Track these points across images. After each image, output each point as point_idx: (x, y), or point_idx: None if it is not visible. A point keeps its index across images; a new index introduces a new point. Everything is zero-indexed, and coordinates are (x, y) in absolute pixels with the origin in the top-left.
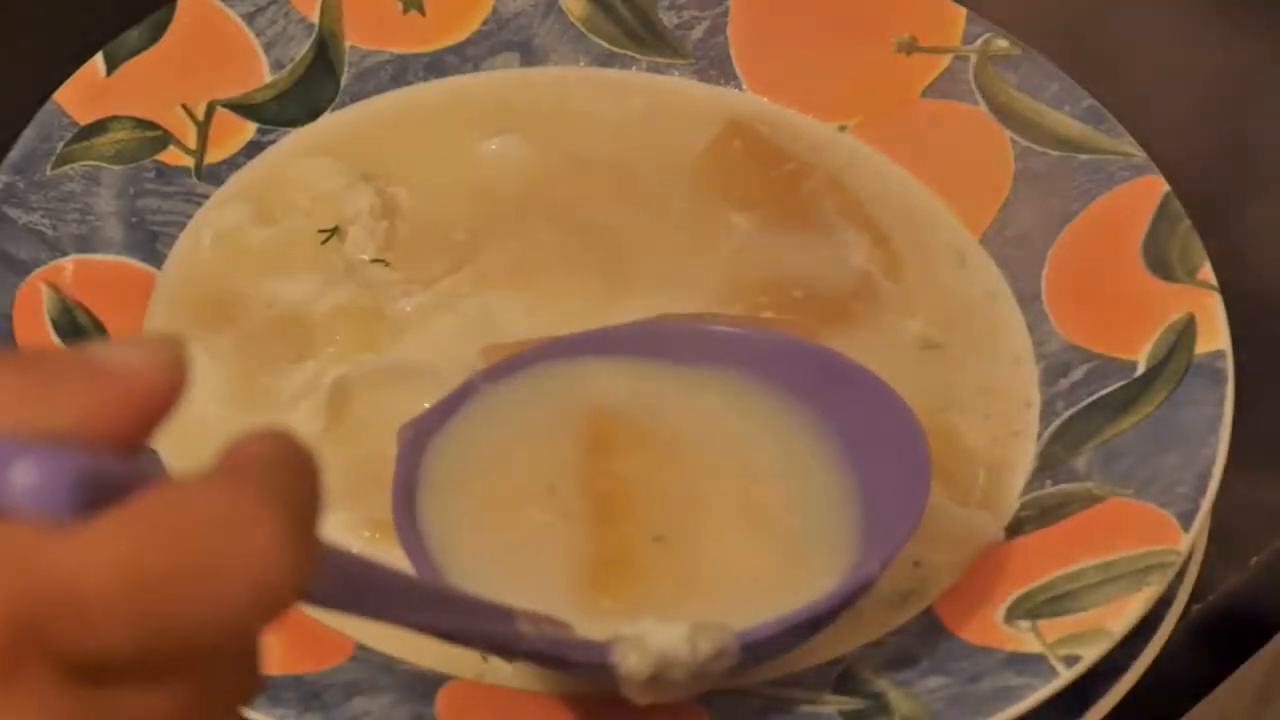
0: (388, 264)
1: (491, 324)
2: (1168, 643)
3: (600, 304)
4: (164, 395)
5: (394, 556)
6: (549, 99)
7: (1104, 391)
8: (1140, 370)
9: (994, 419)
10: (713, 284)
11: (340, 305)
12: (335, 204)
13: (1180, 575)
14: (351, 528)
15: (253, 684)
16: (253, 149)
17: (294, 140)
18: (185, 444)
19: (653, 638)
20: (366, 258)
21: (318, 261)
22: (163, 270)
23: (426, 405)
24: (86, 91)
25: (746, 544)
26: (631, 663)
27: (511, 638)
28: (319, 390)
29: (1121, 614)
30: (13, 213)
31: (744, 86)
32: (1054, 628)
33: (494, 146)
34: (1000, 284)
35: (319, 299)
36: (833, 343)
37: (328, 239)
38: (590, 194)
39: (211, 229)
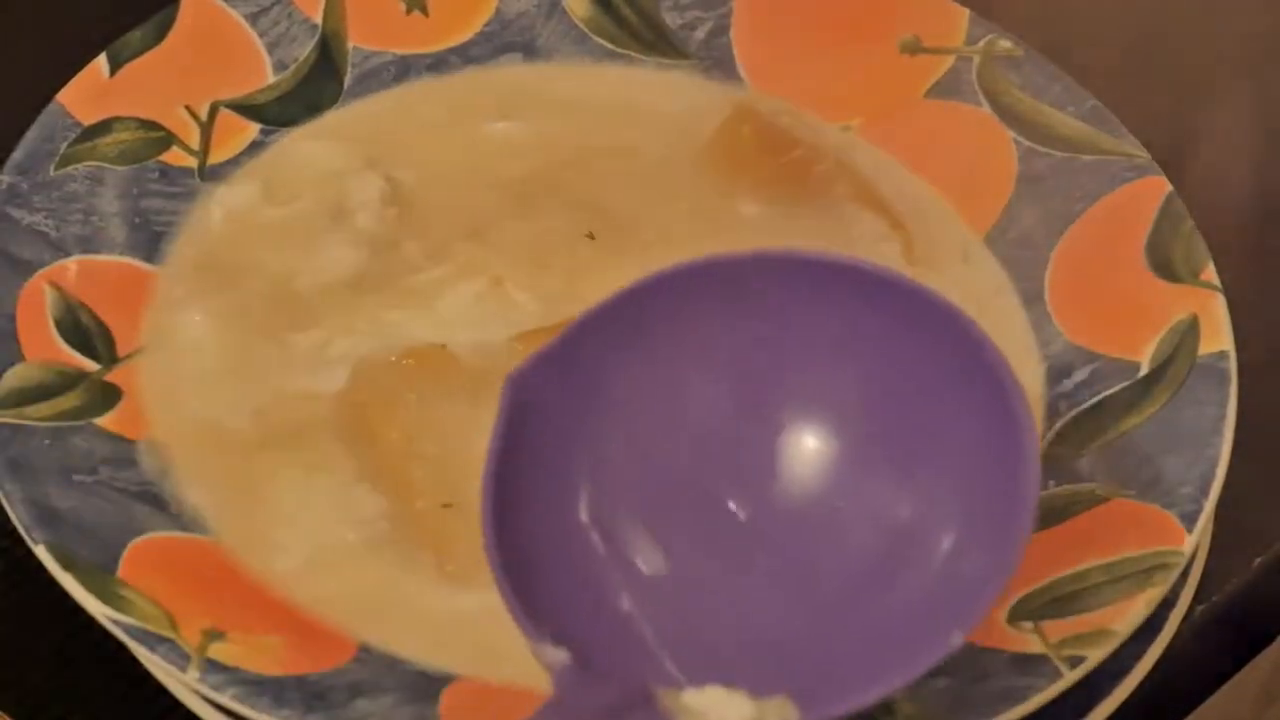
0: (398, 243)
1: (503, 301)
2: (1171, 644)
3: (614, 281)
4: None
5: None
6: (554, 88)
7: (1107, 392)
8: (1144, 371)
9: None
10: None
11: (347, 278)
12: (343, 191)
13: (1184, 576)
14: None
15: None
16: (256, 149)
17: (298, 131)
18: (180, 425)
19: (715, 713)
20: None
21: (328, 239)
22: (171, 250)
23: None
24: (90, 92)
25: None
26: None
27: None
28: (325, 359)
29: (1125, 615)
30: (16, 213)
31: (748, 87)
32: (1058, 629)
33: (500, 128)
34: (1005, 284)
35: (325, 271)
36: None
37: (336, 224)
38: (598, 178)
39: (222, 206)
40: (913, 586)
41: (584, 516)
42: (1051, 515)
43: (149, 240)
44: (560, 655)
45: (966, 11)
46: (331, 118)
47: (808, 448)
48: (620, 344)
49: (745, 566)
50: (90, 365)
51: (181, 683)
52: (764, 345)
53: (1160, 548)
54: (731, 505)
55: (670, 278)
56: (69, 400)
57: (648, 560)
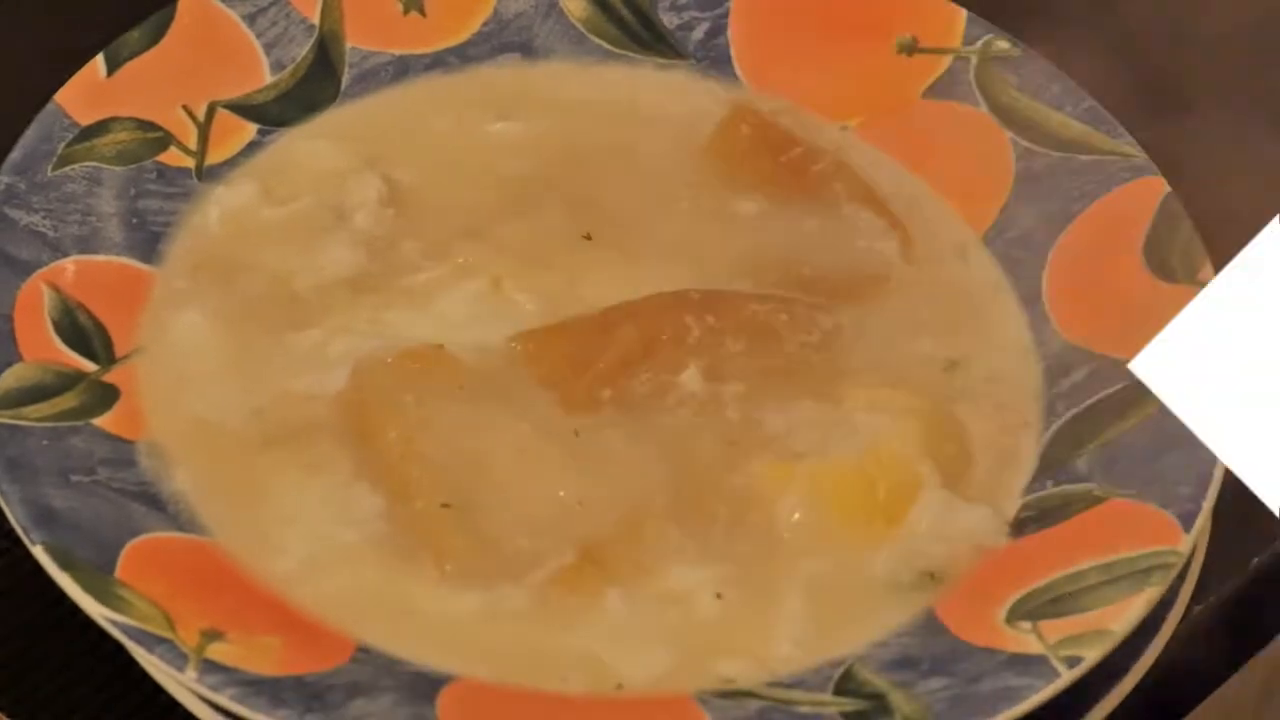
0: (397, 244)
1: (501, 301)
2: (1169, 644)
3: (613, 281)
4: None
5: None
6: (552, 88)
7: (1105, 392)
8: None
9: (1006, 409)
10: (723, 262)
11: (345, 278)
12: (341, 191)
13: (1181, 576)
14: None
15: None
16: (254, 149)
17: (296, 131)
18: (178, 426)
19: None
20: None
21: (326, 239)
22: (169, 250)
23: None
24: (87, 92)
25: None
26: None
27: None
28: (324, 360)
29: (1123, 615)
30: (14, 214)
31: (745, 87)
32: (1056, 629)
33: (498, 128)
34: (1002, 283)
35: (324, 271)
36: (842, 322)
37: (335, 224)
38: (597, 178)
39: (219, 206)
40: None
41: None
42: (1049, 515)
43: (147, 240)
44: None
45: (964, 11)
46: (329, 118)
47: None
48: None
49: None
50: (88, 365)
51: (179, 683)
52: None
53: (1158, 548)
54: None
55: None
56: (67, 400)
57: None
